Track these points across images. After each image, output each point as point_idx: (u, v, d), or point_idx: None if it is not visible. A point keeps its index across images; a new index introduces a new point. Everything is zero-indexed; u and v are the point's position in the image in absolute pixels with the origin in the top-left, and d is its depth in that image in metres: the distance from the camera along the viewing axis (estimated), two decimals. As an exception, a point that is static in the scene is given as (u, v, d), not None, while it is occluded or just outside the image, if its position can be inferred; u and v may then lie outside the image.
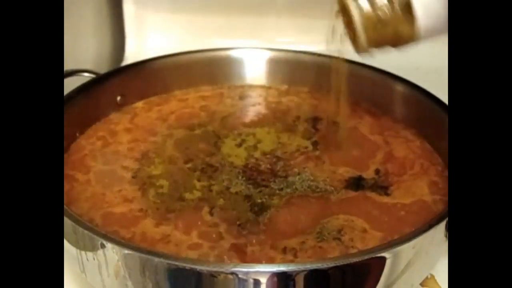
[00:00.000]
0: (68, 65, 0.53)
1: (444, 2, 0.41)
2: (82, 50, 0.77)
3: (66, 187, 0.49)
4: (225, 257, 0.42)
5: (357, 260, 0.36)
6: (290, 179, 0.50)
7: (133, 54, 0.80)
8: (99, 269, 0.39)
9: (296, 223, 0.45)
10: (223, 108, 0.62)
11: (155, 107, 0.61)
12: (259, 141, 0.56)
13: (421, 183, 0.50)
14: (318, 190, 0.49)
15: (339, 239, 0.43)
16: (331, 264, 0.36)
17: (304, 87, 0.65)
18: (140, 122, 0.59)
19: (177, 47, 0.66)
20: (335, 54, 0.54)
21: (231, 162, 0.52)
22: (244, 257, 0.42)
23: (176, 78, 0.64)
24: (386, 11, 0.44)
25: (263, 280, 0.35)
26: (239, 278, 0.35)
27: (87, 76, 0.59)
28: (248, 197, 0.48)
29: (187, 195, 0.48)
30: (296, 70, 0.65)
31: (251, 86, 0.66)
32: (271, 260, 0.41)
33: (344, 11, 0.47)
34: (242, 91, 0.65)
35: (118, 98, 0.60)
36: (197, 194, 0.48)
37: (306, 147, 0.55)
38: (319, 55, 0.64)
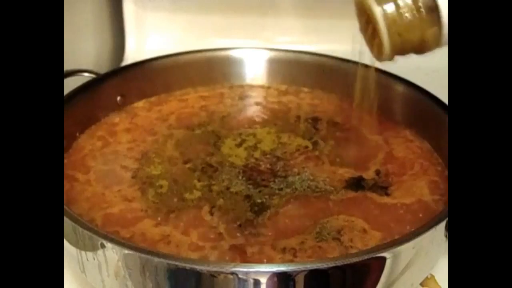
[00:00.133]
0: (68, 65, 0.53)
1: None
2: (82, 50, 0.77)
3: (66, 187, 0.49)
4: (225, 257, 0.42)
5: (357, 260, 0.36)
6: (290, 179, 0.50)
7: (133, 54, 0.80)
8: (99, 269, 0.39)
9: (296, 223, 0.45)
10: (223, 108, 0.62)
11: (155, 107, 0.61)
12: (259, 141, 0.56)
13: (421, 183, 0.50)
14: (318, 190, 0.49)
15: (338, 239, 0.43)
16: (331, 264, 0.36)
17: (304, 87, 0.65)
18: (140, 122, 0.59)
19: (177, 47, 0.66)
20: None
21: (231, 162, 0.52)
22: (244, 257, 0.42)
23: (176, 78, 0.64)
24: (413, 15, 0.42)
25: (263, 280, 0.35)
26: (239, 278, 0.35)
27: (87, 76, 0.59)
28: (248, 197, 0.48)
29: (187, 195, 0.48)
30: (296, 70, 0.65)
31: (251, 86, 0.66)
32: (270, 260, 0.41)
33: (364, 16, 0.45)
34: (242, 91, 0.65)
35: (118, 98, 0.60)
36: (197, 194, 0.48)
37: (306, 147, 0.55)
38: (319, 55, 0.64)
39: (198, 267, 0.36)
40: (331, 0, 0.77)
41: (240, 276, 0.35)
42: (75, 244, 0.40)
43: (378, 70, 0.53)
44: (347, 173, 0.51)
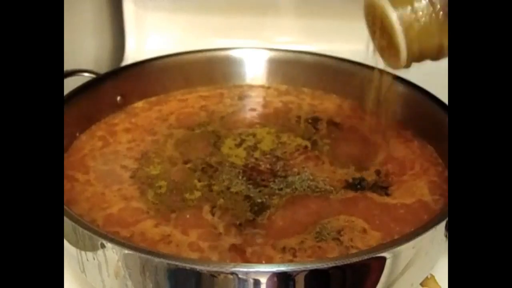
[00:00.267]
0: (68, 65, 0.53)
1: None
2: (82, 50, 0.77)
3: (66, 187, 0.49)
4: (225, 257, 0.42)
5: (357, 260, 0.36)
6: (290, 179, 0.50)
7: (133, 54, 0.80)
8: (99, 269, 0.39)
9: (296, 223, 0.45)
10: (223, 108, 0.62)
11: (155, 107, 0.61)
12: (259, 141, 0.56)
13: (421, 183, 0.50)
14: (318, 190, 0.49)
15: (338, 239, 0.43)
16: (331, 264, 0.36)
17: (304, 87, 0.65)
18: (140, 122, 0.59)
19: (177, 47, 0.66)
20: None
21: (231, 162, 0.52)
22: (244, 257, 0.42)
23: (176, 78, 0.64)
24: (430, 20, 0.41)
25: (263, 280, 0.35)
26: (239, 278, 0.35)
27: (87, 76, 0.59)
28: (248, 197, 0.48)
29: (187, 195, 0.48)
30: (296, 70, 0.65)
31: (251, 86, 0.66)
32: (270, 260, 0.41)
33: (376, 23, 0.44)
34: (242, 91, 0.65)
35: (118, 98, 0.60)
36: (197, 194, 0.48)
37: (306, 147, 0.55)
38: (319, 55, 0.64)
39: (198, 267, 0.36)
40: (331, 0, 0.77)
41: (240, 276, 0.35)
42: (75, 244, 0.40)
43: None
44: (347, 173, 0.51)
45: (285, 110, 0.62)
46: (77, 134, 0.55)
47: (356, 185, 0.50)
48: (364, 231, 0.44)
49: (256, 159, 0.53)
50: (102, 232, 0.39)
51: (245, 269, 0.35)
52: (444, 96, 0.52)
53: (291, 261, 0.41)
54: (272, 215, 0.46)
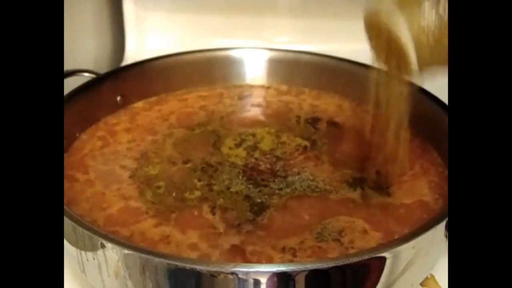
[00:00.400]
0: (68, 65, 0.53)
1: None
2: (82, 50, 0.77)
3: (66, 187, 0.49)
4: (225, 257, 0.42)
5: (357, 260, 0.36)
6: (290, 179, 0.50)
7: (133, 54, 0.80)
8: (99, 269, 0.39)
9: (296, 223, 0.45)
10: (223, 108, 0.62)
11: (155, 107, 0.61)
12: (258, 141, 0.56)
13: (421, 183, 0.50)
14: (318, 190, 0.49)
15: (339, 240, 0.43)
16: (331, 264, 0.36)
17: (304, 87, 0.65)
18: (140, 122, 0.59)
19: (177, 47, 0.66)
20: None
21: (231, 162, 0.52)
22: (244, 257, 0.42)
23: (176, 78, 0.64)
24: (441, 28, 0.38)
25: (263, 280, 0.35)
26: (239, 278, 0.35)
27: (87, 76, 0.59)
28: (248, 197, 0.48)
29: (187, 195, 0.48)
30: (296, 70, 0.65)
31: (251, 86, 0.66)
32: (270, 260, 0.41)
33: (381, 36, 0.41)
34: (242, 91, 0.65)
35: (118, 98, 0.60)
36: (197, 193, 0.48)
37: (306, 147, 0.55)
38: (319, 55, 0.64)
39: (198, 267, 0.36)
40: (331, 0, 0.77)
41: (240, 276, 0.35)
42: (75, 244, 0.40)
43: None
44: (347, 173, 0.51)
45: (285, 110, 0.62)
46: (77, 134, 0.55)
47: (356, 185, 0.49)
48: (365, 231, 0.44)
49: (256, 159, 0.53)
50: (102, 232, 0.39)
51: (245, 269, 0.35)
52: (444, 96, 0.52)
53: (291, 261, 0.41)
54: (272, 215, 0.46)
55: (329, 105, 0.62)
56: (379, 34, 0.42)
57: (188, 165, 0.52)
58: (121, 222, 0.45)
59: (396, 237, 0.43)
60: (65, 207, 0.40)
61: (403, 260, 0.39)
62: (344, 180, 0.50)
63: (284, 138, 0.56)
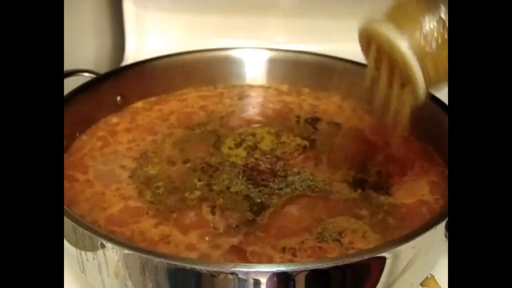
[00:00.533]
0: (68, 65, 0.53)
1: None
2: (82, 50, 0.77)
3: (66, 186, 0.49)
4: (225, 257, 0.42)
5: (357, 260, 0.36)
6: (290, 178, 0.50)
7: (133, 54, 0.80)
8: (99, 269, 0.39)
9: (295, 223, 0.45)
10: (223, 108, 0.62)
11: (155, 107, 0.61)
12: (258, 141, 0.56)
13: (422, 183, 0.50)
14: (318, 190, 0.49)
15: (339, 240, 0.43)
16: (331, 264, 0.36)
17: (304, 87, 0.65)
18: (140, 122, 0.59)
19: (177, 47, 0.66)
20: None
21: (231, 162, 0.52)
22: (243, 257, 0.42)
23: (176, 78, 0.64)
24: (445, 41, 0.36)
25: (263, 280, 0.35)
26: (239, 278, 0.35)
27: (87, 76, 0.59)
28: (248, 197, 0.48)
29: (187, 195, 0.48)
30: (296, 70, 0.65)
31: (251, 86, 0.66)
32: (270, 260, 0.41)
33: (383, 53, 0.38)
34: (242, 91, 0.65)
35: (118, 98, 0.60)
36: (197, 193, 0.48)
37: (306, 147, 0.55)
38: (319, 55, 0.64)
39: (198, 267, 0.36)
40: (331, 0, 0.77)
41: (240, 276, 0.35)
42: (75, 244, 0.40)
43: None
44: (347, 173, 0.51)
45: (285, 110, 0.62)
46: (77, 134, 0.55)
47: (357, 185, 0.49)
48: (365, 231, 0.44)
49: (256, 159, 0.53)
50: (102, 232, 0.39)
51: (245, 269, 0.35)
52: (444, 96, 0.52)
53: (291, 261, 0.41)
54: (272, 215, 0.46)
55: (329, 105, 0.62)
56: (379, 56, 0.40)
57: (188, 165, 0.52)
58: (121, 222, 0.45)
59: (396, 237, 0.43)
60: (65, 207, 0.40)
61: (403, 260, 0.39)
62: (344, 180, 0.50)
63: (284, 138, 0.56)
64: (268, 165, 0.52)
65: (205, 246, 0.43)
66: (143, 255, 0.36)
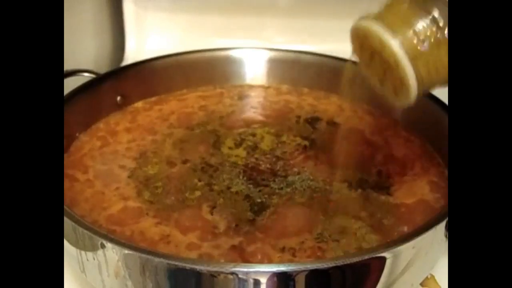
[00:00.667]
0: (68, 65, 0.53)
1: None
2: (82, 50, 0.77)
3: (66, 186, 0.49)
4: (225, 257, 0.42)
5: (357, 260, 0.36)
6: (290, 178, 0.50)
7: (133, 54, 0.80)
8: (99, 269, 0.39)
9: (296, 223, 0.45)
10: (223, 108, 0.62)
11: (155, 107, 0.61)
12: (258, 141, 0.56)
13: (422, 183, 0.50)
14: (318, 189, 0.49)
15: (338, 240, 0.43)
16: (331, 264, 0.36)
17: (304, 87, 0.65)
18: (140, 122, 0.59)
19: (177, 47, 0.66)
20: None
21: (231, 162, 0.52)
22: (243, 257, 0.42)
23: (176, 78, 0.64)
24: (438, 41, 0.35)
25: (263, 280, 0.35)
26: (239, 278, 0.35)
27: (87, 76, 0.59)
28: (248, 197, 0.48)
29: (188, 195, 0.48)
30: (296, 70, 0.65)
31: (251, 86, 0.66)
32: (270, 260, 0.41)
33: (375, 54, 0.38)
34: (242, 91, 0.65)
35: (118, 98, 0.60)
36: (197, 193, 0.48)
37: (306, 147, 0.55)
38: (319, 55, 0.64)
39: (198, 267, 0.36)
40: (331, 0, 0.77)
41: (240, 276, 0.35)
42: (75, 244, 0.40)
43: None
44: (347, 173, 0.51)
45: (285, 110, 0.62)
46: (77, 134, 0.55)
47: (357, 185, 0.49)
48: (365, 231, 0.44)
49: (256, 158, 0.53)
50: (102, 232, 0.39)
51: (245, 269, 0.35)
52: (444, 96, 0.52)
53: (290, 261, 0.41)
54: (272, 214, 0.46)
55: (329, 105, 0.62)
56: (366, 49, 0.39)
57: (188, 165, 0.52)
58: (121, 222, 0.45)
59: (396, 237, 0.43)
60: (65, 207, 0.40)
61: (403, 260, 0.39)
62: (345, 180, 0.50)
63: (284, 138, 0.56)
64: (268, 165, 0.52)
65: (205, 246, 0.43)
66: (143, 255, 0.36)
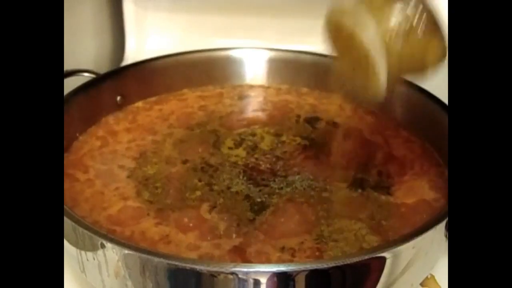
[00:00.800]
0: (68, 65, 0.53)
1: None
2: (82, 50, 0.77)
3: (66, 186, 0.49)
4: (225, 257, 0.42)
5: (357, 260, 0.36)
6: (290, 178, 0.50)
7: (133, 54, 0.80)
8: (99, 269, 0.39)
9: (296, 223, 0.45)
10: (222, 108, 0.62)
11: (155, 107, 0.61)
12: (258, 141, 0.56)
13: (422, 183, 0.50)
14: (318, 189, 0.49)
15: (338, 240, 0.43)
16: (331, 264, 0.36)
17: (304, 87, 0.65)
18: (140, 122, 0.59)
19: (177, 47, 0.66)
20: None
21: (231, 162, 0.52)
22: (243, 257, 0.42)
23: (176, 78, 0.64)
24: (410, 31, 0.35)
25: (263, 280, 0.35)
26: (239, 278, 0.35)
27: (87, 76, 0.59)
28: (248, 197, 0.48)
29: (188, 195, 0.48)
30: (296, 70, 0.65)
31: (251, 86, 0.66)
32: (270, 260, 0.41)
33: (347, 43, 0.38)
34: (242, 91, 0.65)
35: (118, 98, 0.60)
36: (198, 193, 0.48)
37: (306, 147, 0.55)
38: (319, 55, 0.64)
39: (198, 267, 0.36)
40: (331, 0, 0.77)
41: (240, 276, 0.35)
42: (75, 244, 0.40)
43: None
44: (347, 173, 0.51)
45: (285, 110, 0.62)
46: (77, 134, 0.55)
47: (357, 185, 0.49)
48: (365, 231, 0.44)
49: (256, 158, 0.53)
50: (102, 232, 0.39)
51: (245, 269, 0.35)
52: (444, 96, 0.52)
53: (290, 261, 0.41)
54: (272, 214, 0.46)
55: (329, 105, 0.62)
56: (339, 39, 0.39)
57: (188, 165, 0.52)
58: (121, 222, 0.45)
59: (396, 237, 0.43)
60: (65, 207, 0.40)
61: (403, 260, 0.39)
62: (345, 180, 0.50)
63: (284, 137, 0.56)
64: (268, 165, 0.52)
65: (205, 246, 0.43)
66: (143, 255, 0.36)
